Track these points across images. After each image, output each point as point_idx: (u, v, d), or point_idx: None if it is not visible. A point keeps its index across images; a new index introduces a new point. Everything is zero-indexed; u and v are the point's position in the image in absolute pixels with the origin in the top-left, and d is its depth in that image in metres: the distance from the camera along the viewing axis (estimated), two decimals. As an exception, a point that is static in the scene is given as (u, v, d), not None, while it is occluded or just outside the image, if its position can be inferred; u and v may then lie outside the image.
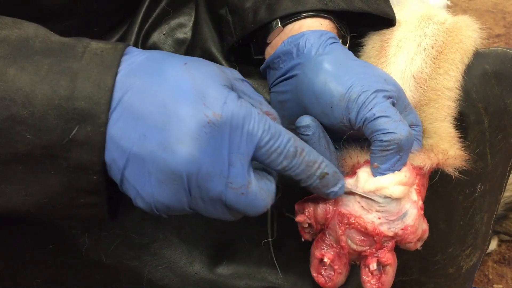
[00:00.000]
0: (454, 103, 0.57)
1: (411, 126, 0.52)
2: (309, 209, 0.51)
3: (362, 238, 0.48)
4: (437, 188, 0.59)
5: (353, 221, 0.48)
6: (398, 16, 0.61)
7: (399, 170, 0.47)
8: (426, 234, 0.50)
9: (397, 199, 0.47)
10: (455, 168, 0.52)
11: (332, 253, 0.50)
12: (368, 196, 0.47)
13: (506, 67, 0.61)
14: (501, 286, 1.21)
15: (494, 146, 0.62)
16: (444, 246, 0.63)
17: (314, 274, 0.52)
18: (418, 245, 0.50)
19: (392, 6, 0.61)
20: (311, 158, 0.44)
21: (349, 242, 0.49)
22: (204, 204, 0.41)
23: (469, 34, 0.59)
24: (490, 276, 1.22)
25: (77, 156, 0.39)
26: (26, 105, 0.38)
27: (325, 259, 0.50)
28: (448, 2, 2.01)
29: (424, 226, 0.50)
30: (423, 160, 0.50)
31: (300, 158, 0.43)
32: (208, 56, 0.67)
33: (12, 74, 0.38)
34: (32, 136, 0.38)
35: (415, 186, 0.49)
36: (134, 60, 0.42)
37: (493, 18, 1.90)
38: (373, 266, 0.49)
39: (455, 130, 0.56)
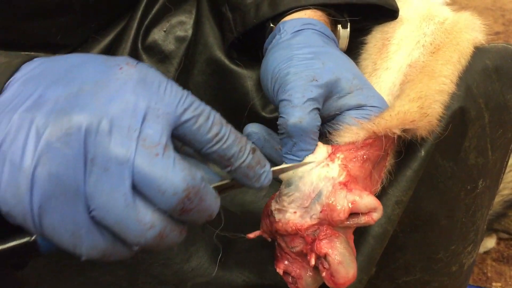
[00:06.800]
0: (447, 96, 0.54)
1: (359, 106, 0.48)
2: (262, 222, 0.50)
3: (291, 239, 0.47)
4: (438, 185, 0.58)
5: (275, 227, 0.47)
6: (401, 13, 0.61)
7: (301, 158, 0.46)
8: (364, 203, 0.45)
9: (297, 183, 0.46)
10: (404, 130, 0.47)
11: (286, 262, 0.49)
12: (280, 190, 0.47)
13: (506, 63, 0.61)
14: (499, 284, 1.21)
15: (494, 141, 0.61)
16: (446, 243, 0.63)
17: (288, 282, 0.51)
18: (374, 217, 0.46)
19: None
20: (236, 130, 0.38)
21: (289, 246, 0.48)
22: (103, 178, 0.32)
23: (467, 37, 0.58)
24: (489, 274, 1.22)
25: None
26: None
27: (277, 270, 0.49)
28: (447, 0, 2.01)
29: (351, 197, 0.45)
30: (354, 134, 0.47)
31: (228, 127, 0.37)
32: (210, 53, 0.67)
33: None
34: None
35: (339, 161, 0.46)
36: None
37: (492, 15, 1.90)
38: (313, 261, 0.46)
39: (442, 111, 0.53)
